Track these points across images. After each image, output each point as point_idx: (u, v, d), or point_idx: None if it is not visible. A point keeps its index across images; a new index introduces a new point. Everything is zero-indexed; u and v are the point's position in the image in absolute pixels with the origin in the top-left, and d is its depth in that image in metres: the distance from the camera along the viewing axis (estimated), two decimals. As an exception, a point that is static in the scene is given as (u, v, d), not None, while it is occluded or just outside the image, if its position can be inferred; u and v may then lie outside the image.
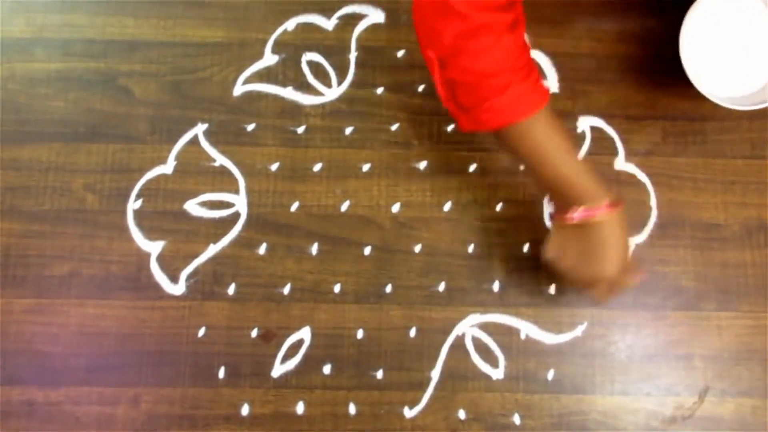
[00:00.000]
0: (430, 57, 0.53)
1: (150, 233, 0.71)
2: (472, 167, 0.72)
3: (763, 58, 0.71)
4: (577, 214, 0.57)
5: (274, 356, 0.68)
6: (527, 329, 0.69)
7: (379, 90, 0.74)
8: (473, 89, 0.53)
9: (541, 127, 0.55)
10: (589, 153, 0.73)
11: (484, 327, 0.69)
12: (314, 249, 0.70)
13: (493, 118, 0.54)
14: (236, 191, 0.72)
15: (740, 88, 0.71)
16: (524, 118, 0.54)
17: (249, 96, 0.74)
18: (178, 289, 0.69)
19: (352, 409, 0.67)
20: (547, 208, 0.71)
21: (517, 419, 0.67)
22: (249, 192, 0.72)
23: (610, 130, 0.73)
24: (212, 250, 0.70)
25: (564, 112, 0.73)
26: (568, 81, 0.74)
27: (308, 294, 0.69)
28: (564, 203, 0.58)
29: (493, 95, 0.53)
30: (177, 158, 0.72)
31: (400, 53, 0.75)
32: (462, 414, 0.67)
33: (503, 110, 0.53)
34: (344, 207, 0.71)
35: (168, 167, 0.72)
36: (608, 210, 0.56)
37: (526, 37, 0.54)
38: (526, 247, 0.70)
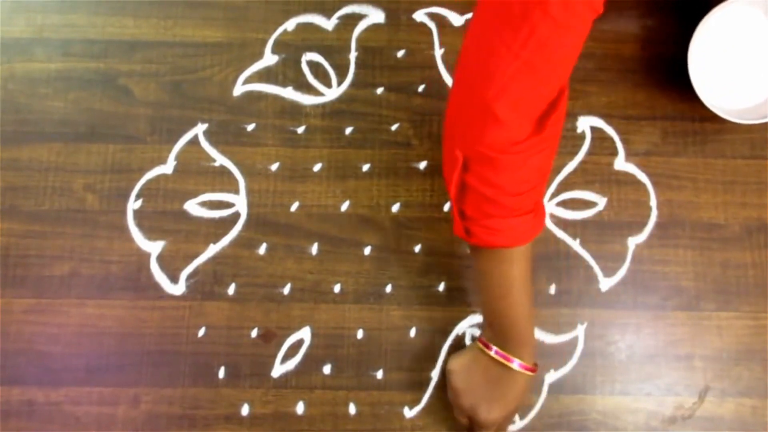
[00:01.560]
0: (456, 156, 0.52)
1: (150, 233, 0.71)
2: (472, 167, 0.72)
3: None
4: (497, 350, 0.58)
5: (274, 356, 0.68)
6: (527, 329, 0.69)
7: (379, 90, 0.74)
8: (483, 202, 0.52)
9: (521, 262, 0.56)
10: (589, 153, 0.73)
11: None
12: (314, 249, 0.70)
13: (486, 235, 0.53)
14: (236, 191, 0.72)
15: (745, 100, 0.71)
16: (514, 246, 0.54)
17: (249, 96, 0.74)
18: (178, 289, 0.69)
19: (352, 409, 0.67)
20: (547, 209, 0.71)
21: (517, 419, 0.67)
22: (249, 192, 0.72)
23: (610, 130, 0.73)
24: (212, 250, 0.70)
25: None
26: (568, 81, 0.74)
27: (308, 294, 0.69)
28: (496, 336, 0.59)
29: (498, 215, 0.52)
30: (177, 158, 0.72)
31: (400, 53, 0.75)
32: (462, 414, 0.67)
33: (500, 233, 0.53)
34: (344, 207, 0.71)
35: (168, 167, 0.72)
36: (526, 368, 0.58)
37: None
38: (526, 247, 0.70)
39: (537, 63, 0.46)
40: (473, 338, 0.68)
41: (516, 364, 0.58)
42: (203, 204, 0.71)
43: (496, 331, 0.59)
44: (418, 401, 0.67)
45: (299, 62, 0.75)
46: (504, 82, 0.47)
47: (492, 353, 0.58)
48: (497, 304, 0.57)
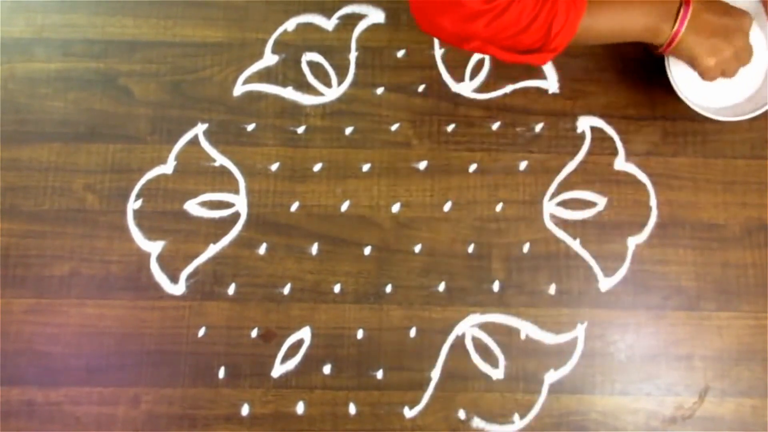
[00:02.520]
0: (473, 47, 0.57)
1: (150, 233, 0.71)
2: (472, 167, 0.72)
3: (750, 70, 0.71)
4: (662, 49, 0.62)
5: (274, 356, 0.68)
6: (527, 329, 0.69)
7: (379, 90, 0.74)
8: (528, 34, 0.56)
9: (595, 11, 0.59)
10: (589, 153, 0.73)
11: (484, 327, 0.69)
12: (314, 249, 0.70)
13: (561, 39, 0.57)
14: (236, 191, 0.72)
15: (727, 98, 0.71)
16: (581, 19, 0.58)
17: (249, 96, 0.74)
18: (178, 289, 0.69)
19: (352, 409, 0.67)
20: (547, 209, 0.71)
21: (517, 419, 0.67)
22: (249, 192, 0.72)
23: (610, 130, 0.73)
24: (212, 250, 0.70)
25: (564, 112, 0.73)
26: (568, 81, 0.74)
27: (308, 294, 0.69)
28: (654, 28, 0.62)
29: (549, 24, 0.56)
30: (177, 158, 0.72)
31: (400, 53, 0.75)
32: (462, 414, 0.67)
33: (564, 29, 0.57)
34: (344, 207, 0.71)
35: (168, 167, 0.72)
36: (684, 17, 0.61)
37: None
38: (526, 247, 0.71)
39: None
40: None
41: (681, 24, 0.61)
42: (203, 204, 0.71)
43: (645, 29, 0.62)
44: (418, 401, 0.67)
45: (299, 62, 0.75)
46: None
47: (681, 31, 0.61)
48: (623, 30, 0.62)
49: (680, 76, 0.68)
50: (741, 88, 0.71)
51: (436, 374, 0.68)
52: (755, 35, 0.69)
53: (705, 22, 0.62)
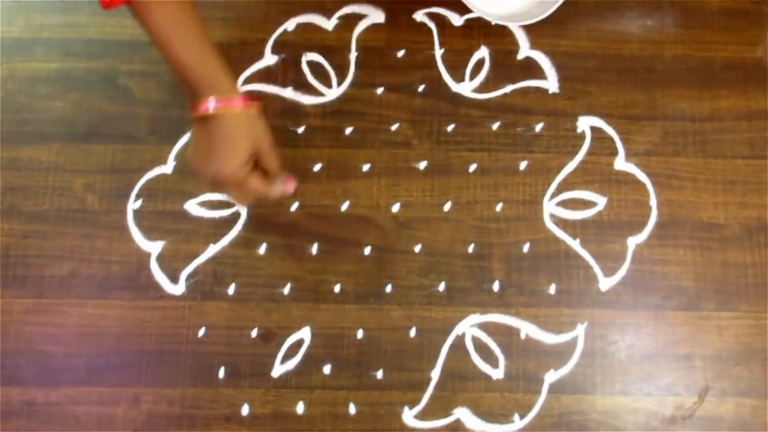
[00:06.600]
0: None
1: (150, 233, 0.71)
2: (472, 167, 0.72)
3: None
4: (211, 104, 0.56)
5: (274, 356, 0.68)
6: (527, 329, 0.69)
7: (379, 90, 0.74)
8: None
9: (156, 11, 0.55)
10: (589, 153, 0.73)
11: (484, 327, 0.69)
12: (314, 249, 0.70)
13: None
14: (236, 191, 0.72)
15: (517, 3, 0.73)
16: None
17: (249, 96, 0.74)
18: (178, 289, 0.69)
19: (352, 409, 0.67)
20: (547, 209, 0.71)
21: (517, 419, 0.67)
22: (249, 192, 0.72)
23: (610, 130, 0.73)
24: (212, 250, 0.70)
25: (564, 112, 0.74)
26: (568, 81, 0.74)
27: (308, 294, 0.69)
28: (194, 92, 0.57)
29: None
30: (177, 158, 0.72)
31: (400, 53, 0.75)
32: (462, 414, 0.67)
33: None
34: (344, 207, 0.71)
35: (168, 167, 0.72)
36: (224, 102, 0.56)
37: None
38: (526, 247, 0.71)
39: None
40: (471, 336, 0.68)
41: (211, 104, 0.56)
42: (203, 204, 0.71)
43: (186, 88, 0.58)
44: (418, 401, 0.67)
45: (299, 62, 0.75)
46: None
47: (210, 110, 0.57)
48: (168, 55, 0.57)
49: None
50: None
51: (436, 374, 0.68)
52: None
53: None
